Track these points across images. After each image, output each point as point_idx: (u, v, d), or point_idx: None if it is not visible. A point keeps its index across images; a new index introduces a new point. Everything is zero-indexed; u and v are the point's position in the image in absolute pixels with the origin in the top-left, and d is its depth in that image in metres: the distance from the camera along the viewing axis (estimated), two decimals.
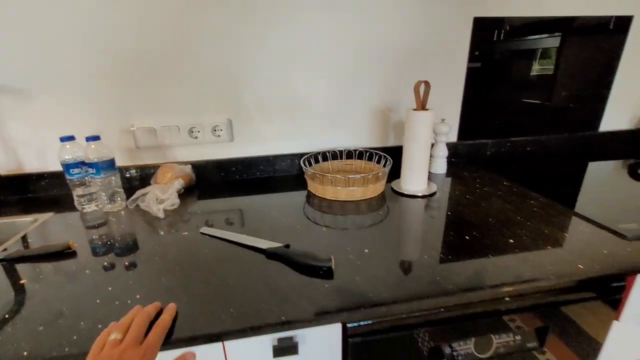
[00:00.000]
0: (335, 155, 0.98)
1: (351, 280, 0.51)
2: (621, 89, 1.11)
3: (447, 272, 0.52)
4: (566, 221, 0.67)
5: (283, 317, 0.44)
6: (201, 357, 0.44)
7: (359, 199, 0.79)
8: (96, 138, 0.75)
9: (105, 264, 0.58)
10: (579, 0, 0.98)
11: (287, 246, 0.58)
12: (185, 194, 0.87)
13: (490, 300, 0.49)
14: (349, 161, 0.98)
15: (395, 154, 0.91)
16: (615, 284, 0.56)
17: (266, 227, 0.69)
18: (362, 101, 0.98)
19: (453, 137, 1.07)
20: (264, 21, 0.86)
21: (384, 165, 0.87)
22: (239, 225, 0.71)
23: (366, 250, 0.59)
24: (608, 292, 0.57)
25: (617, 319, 0.61)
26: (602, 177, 0.95)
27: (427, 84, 0.76)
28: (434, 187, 0.84)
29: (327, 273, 0.53)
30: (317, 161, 0.96)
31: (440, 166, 0.96)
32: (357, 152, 0.98)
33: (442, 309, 0.48)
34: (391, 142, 1.04)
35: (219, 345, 0.45)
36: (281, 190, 0.90)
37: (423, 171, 0.81)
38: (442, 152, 0.94)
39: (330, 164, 0.97)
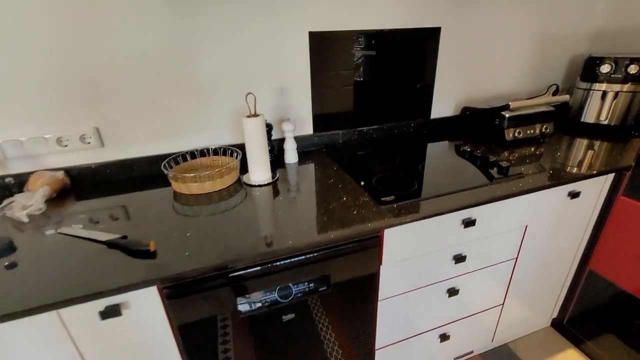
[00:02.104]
0: (204, 152, 1.14)
1: (170, 257, 0.70)
2: (442, 83, 1.40)
3: (255, 240, 0.73)
4: (353, 195, 0.92)
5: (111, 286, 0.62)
6: (41, 325, 0.61)
7: (209, 191, 0.98)
8: None
9: None
10: (393, 15, 1.22)
11: (125, 237, 0.75)
12: (59, 198, 0.98)
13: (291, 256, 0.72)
14: (216, 158, 1.15)
15: None
16: (372, 237, 0.83)
17: (130, 222, 0.85)
18: (222, 105, 1.14)
19: (309, 130, 1.28)
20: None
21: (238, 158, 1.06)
22: (106, 223, 0.85)
23: (188, 234, 0.78)
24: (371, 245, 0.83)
25: (381, 263, 0.88)
26: (434, 154, 1.24)
27: (253, 96, 0.95)
28: (275, 176, 1.05)
29: (149, 254, 0.71)
30: (185, 160, 1.11)
31: (292, 157, 1.17)
32: (222, 149, 1.15)
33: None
34: None
35: (54, 313, 0.62)
36: (150, 188, 1.05)
37: (261, 165, 1.01)
38: (291, 146, 1.15)
39: (200, 160, 1.13)
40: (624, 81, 1.29)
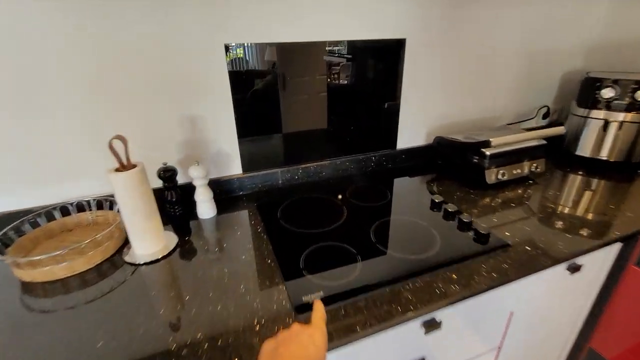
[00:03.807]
0: (82, 206, 0.84)
1: None
2: (409, 106, 1.13)
3: None
4: (266, 289, 0.63)
5: None
6: None
7: (65, 276, 0.67)
8: None
9: None
10: (356, 28, 0.94)
11: None
12: None
13: None
14: (101, 213, 0.85)
15: None
16: None
17: None
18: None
19: (237, 170, 0.99)
20: None
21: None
22: None
23: None
24: None
25: None
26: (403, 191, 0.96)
27: (122, 138, 0.65)
28: (172, 247, 0.76)
29: None
30: (51, 218, 0.81)
31: (205, 210, 0.87)
32: (109, 202, 0.85)
33: None
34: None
35: None
36: None
37: (144, 235, 0.72)
38: (204, 196, 0.86)
39: (78, 217, 0.83)
40: (628, 109, 1.05)
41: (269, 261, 0.71)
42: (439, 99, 1.17)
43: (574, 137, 1.18)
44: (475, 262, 0.69)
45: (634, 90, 1.02)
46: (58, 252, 0.66)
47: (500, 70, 1.22)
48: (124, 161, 0.66)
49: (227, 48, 0.84)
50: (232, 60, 0.86)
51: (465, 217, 0.81)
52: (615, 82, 1.05)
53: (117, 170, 0.66)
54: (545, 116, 1.38)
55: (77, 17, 0.71)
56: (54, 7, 0.69)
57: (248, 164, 0.99)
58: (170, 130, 0.87)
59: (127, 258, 0.72)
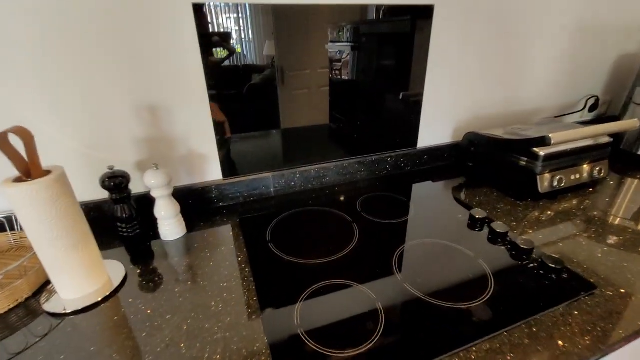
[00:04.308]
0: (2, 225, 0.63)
1: None
2: (434, 95, 0.90)
3: None
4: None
5: None
6: None
7: None
8: None
9: None
10: None
11: None
12: None
13: None
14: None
15: None
16: None
17: None
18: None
19: (217, 175, 0.77)
20: None
21: None
22: None
23: None
24: None
25: None
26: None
27: (24, 132, 0.43)
28: (116, 280, 0.54)
29: None
30: None
31: (171, 230, 0.65)
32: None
33: None
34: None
35: None
36: None
37: (73, 273, 0.49)
38: (167, 211, 0.64)
39: None
40: None
41: (250, 311, 0.49)
42: (471, 86, 0.94)
43: (637, 135, 0.95)
44: (553, 315, 0.47)
45: None
46: None
47: (544, 51, 0.99)
48: (29, 166, 0.44)
49: (197, 7, 0.62)
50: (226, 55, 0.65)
51: (523, 243, 0.59)
52: None
53: (17, 180, 0.44)
54: (592, 108, 1.15)
55: None
56: None
57: (231, 167, 0.77)
58: (122, 122, 0.65)
59: (46, 306, 0.50)
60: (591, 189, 0.82)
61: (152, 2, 0.59)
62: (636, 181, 0.87)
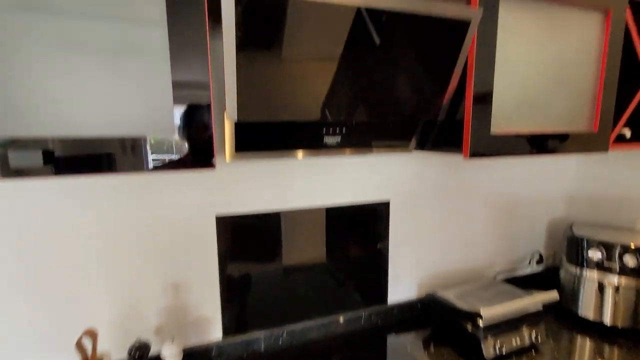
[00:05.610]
0: None
1: None
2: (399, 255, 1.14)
3: None
4: None
5: None
6: None
7: None
8: None
9: None
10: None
11: None
12: None
13: None
14: None
15: None
16: None
17: None
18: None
19: (218, 334, 0.94)
20: None
21: None
22: None
23: None
24: None
25: None
26: None
27: (93, 334, 0.63)
28: None
29: None
30: None
31: None
32: None
33: None
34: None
35: None
36: None
37: None
38: None
39: None
40: (621, 273, 1.03)
41: None
42: (426, 251, 1.18)
43: (572, 295, 1.13)
44: None
45: (621, 255, 1.02)
46: None
47: (487, 220, 1.26)
48: (90, 357, 0.63)
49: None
50: None
51: None
52: (601, 245, 1.06)
53: None
54: (539, 262, 1.36)
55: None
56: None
57: (231, 326, 0.94)
58: (152, 296, 0.87)
59: None
60: (534, 353, 0.96)
61: (190, 217, 0.87)
62: (579, 340, 1.01)
